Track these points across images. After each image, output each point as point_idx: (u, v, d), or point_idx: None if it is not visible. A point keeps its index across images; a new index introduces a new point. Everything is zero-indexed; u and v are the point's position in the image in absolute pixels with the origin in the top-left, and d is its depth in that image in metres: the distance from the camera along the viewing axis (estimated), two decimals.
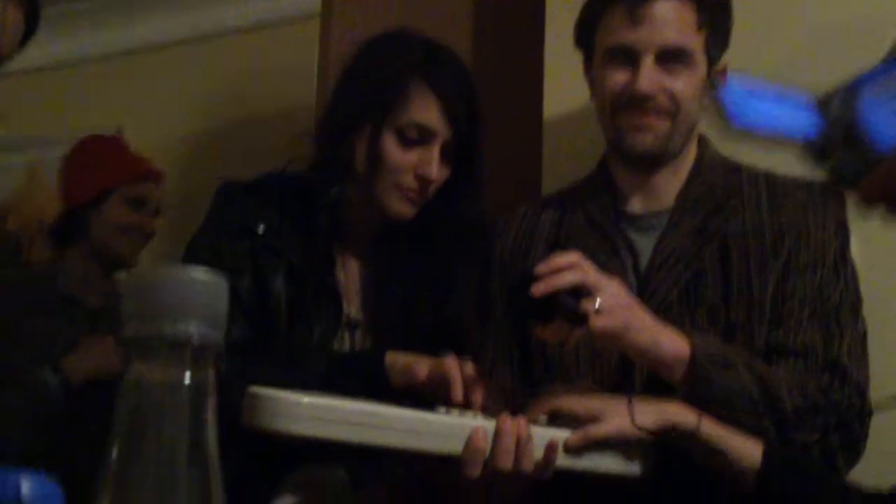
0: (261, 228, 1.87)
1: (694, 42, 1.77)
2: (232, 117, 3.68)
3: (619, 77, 1.78)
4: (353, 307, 1.93)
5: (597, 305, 1.50)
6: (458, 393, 1.59)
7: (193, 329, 0.55)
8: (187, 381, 0.55)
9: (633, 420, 1.51)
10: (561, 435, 1.49)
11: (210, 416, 0.55)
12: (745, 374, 1.57)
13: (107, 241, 2.88)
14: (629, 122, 1.78)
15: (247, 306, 1.82)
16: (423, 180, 1.86)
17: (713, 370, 1.55)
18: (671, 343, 1.57)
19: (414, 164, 1.85)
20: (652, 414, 1.52)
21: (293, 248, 1.88)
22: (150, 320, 0.55)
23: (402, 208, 1.88)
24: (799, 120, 1.00)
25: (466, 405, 1.60)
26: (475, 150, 1.91)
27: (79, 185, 2.95)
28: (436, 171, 1.86)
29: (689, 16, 1.76)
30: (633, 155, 1.81)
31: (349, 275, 1.95)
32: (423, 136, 1.85)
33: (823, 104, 1.01)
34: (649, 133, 1.77)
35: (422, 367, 1.66)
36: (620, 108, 1.78)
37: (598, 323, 1.50)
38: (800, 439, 1.57)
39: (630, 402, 1.52)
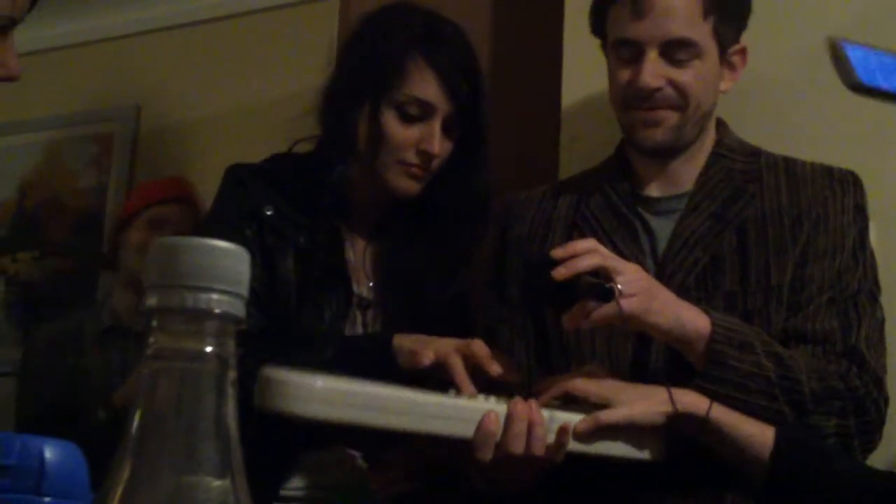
0: (269, 212, 1.86)
1: (700, 31, 1.75)
2: (251, 98, 3.68)
3: (624, 73, 1.78)
4: (363, 287, 1.93)
5: (618, 288, 1.50)
6: (461, 383, 1.58)
7: (215, 299, 0.54)
8: (209, 351, 0.54)
9: (654, 405, 1.51)
10: (573, 419, 1.49)
11: (231, 388, 0.55)
12: (763, 356, 1.56)
13: (130, 265, 2.92)
14: (638, 118, 1.78)
15: (256, 293, 1.81)
16: (425, 155, 1.85)
17: (730, 351, 1.55)
18: (693, 320, 1.57)
19: (415, 140, 1.84)
20: (661, 401, 1.52)
21: (301, 230, 1.87)
22: (172, 290, 0.54)
23: (407, 185, 1.87)
24: None
25: (481, 387, 1.60)
26: (478, 124, 1.90)
27: (119, 214, 3.03)
28: (438, 145, 1.84)
29: (693, 4, 1.75)
30: (644, 149, 1.80)
31: (358, 254, 1.95)
32: (423, 112, 1.84)
33: None
34: (658, 127, 1.77)
35: (427, 353, 1.64)
36: (630, 104, 1.78)
37: (621, 304, 1.50)
38: (817, 423, 1.57)
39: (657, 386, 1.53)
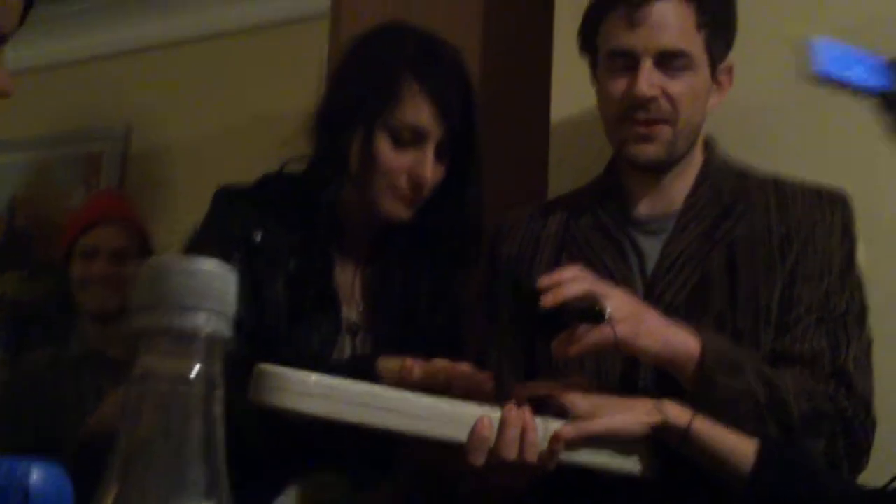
0: (258, 236, 1.84)
1: (693, 43, 1.77)
2: (241, 117, 3.68)
3: (619, 84, 1.78)
4: (353, 311, 1.91)
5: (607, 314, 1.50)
6: (460, 386, 1.58)
7: (202, 321, 0.54)
8: (196, 373, 0.54)
9: (636, 417, 1.51)
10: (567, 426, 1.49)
11: (219, 409, 0.55)
12: (753, 378, 1.56)
13: (77, 299, 2.87)
14: (633, 133, 1.78)
15: (243, 323, 1.79)
16: (416, 181, 1.82)
17: (719, 373, 1.55)
18: (682, 343, 1.57)
19: (407, 166, 1.82)
20: (644, 412, 1.52)
21: (290, 254, 1.85)
22: (158, 312, 0.54)
23: (398, 210, 1.85)
24: (874, 76, 1.16)
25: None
26: (471, 149, 1.88)
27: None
28: (429, 172, 1.82)
29: (688, 17, 1.76)
30: (638, 164, 1.81)
31: (348, 279, 1.93)
32: (416, 137, 1.81)
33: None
34: (652, 143, 1.77)
35: (415, 369, 1.64)
36: (624, 118, 1.78)
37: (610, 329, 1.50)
38: (805, 445, 1.57)
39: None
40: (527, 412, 1.45)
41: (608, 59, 1.81)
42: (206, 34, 3.83)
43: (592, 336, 1.51)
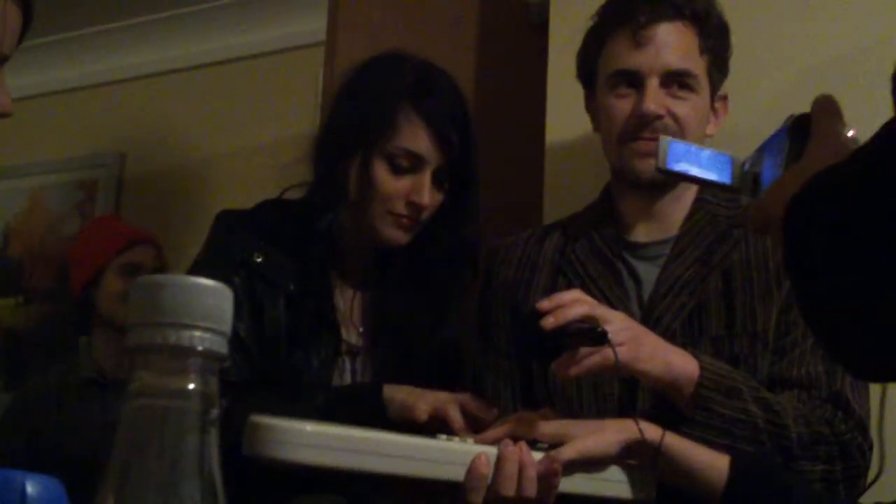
0: (259, 259, 1.86)
1: (697, 66, 1.79)
2: (235, 144, 3.69)
3: (624, 103, 1.79)
4: (352, 334, 1.92)
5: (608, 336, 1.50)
6: (461, 433, 1.58)
7: (198, 337, 0.54)
8: (192, 388, 0.54)
9: (607, 437, 1.50)
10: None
11: (214, 426, 0.55)
12: (751, 401, 1.56)
13: (111, 312, 2.91)
14: (636, 149, 1.79)
15: (245, 345, 1.81)
16: (414, 207, 1.85)
17: (717, 396, 1.55)
18: (681, 366, 1.56)
19: (406, 192, 1.84)
20: (615, 431, 1.51)
21: (290, 278, 1.87)
22: (154, 328, 0.54)
23: (396, 235, 1.87)
24: (720, 170, 1.31)
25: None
26: (469, 174, 1.90)
27: (79, 270, 3.00)
28: (427, 197, 1.84)
29: (692, 40, 1.78)
30: (639, 181, 1.81)
31: (347, 302, 1.94)
32: (413, 164, 1.84)
33: (740, 160, 1.31)
34: (653, 158, 1.77)
35: (421, 409, 1.64)
36: (627, 136, 1.79)
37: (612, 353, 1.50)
38: (803, 469, 1.57)
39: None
40: (524, 447, 1.45)
41: (612, 80, 1.82)
42: (199, 62, 3.85)
43: (594, 358, 1.50)
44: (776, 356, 1.68)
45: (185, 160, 3.78)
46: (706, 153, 1.33)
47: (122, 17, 3.89)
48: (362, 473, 1.37)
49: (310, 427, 1.33)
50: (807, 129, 1.18)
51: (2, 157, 3.95)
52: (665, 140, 1.34)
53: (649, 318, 1.73)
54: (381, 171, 1.84)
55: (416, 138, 1.83)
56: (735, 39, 1.88)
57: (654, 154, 1.76)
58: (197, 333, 0.55)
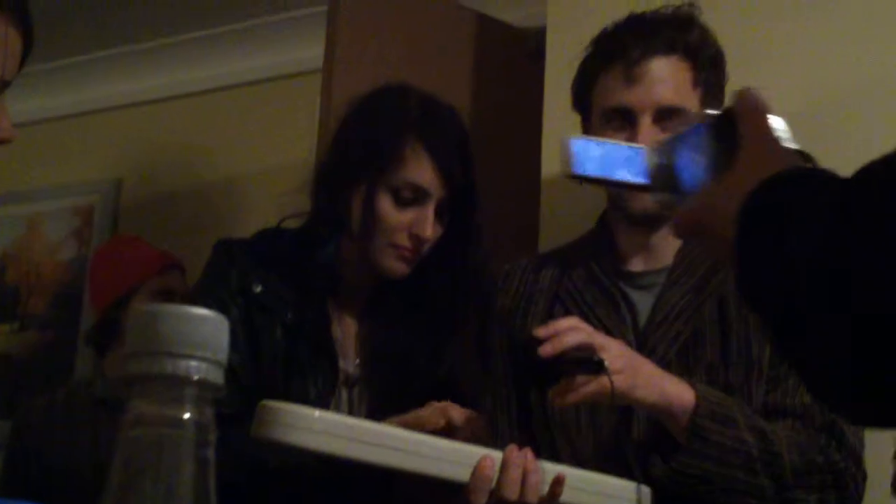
0: (257, 288, 1.86)
1: (690, 100, 1.78)
2: (231, 171, 3.69)
3: (617, 139, 1.79)
4: (349, 364, 1.92)
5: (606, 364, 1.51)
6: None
7: (194, 366, 0.55)
8: (187, 417, 0.55)
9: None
10: (569, 471, 1.49)
11: (210, 455, 0.55)
12: (746, 430, 1.57)
13: None
14: None
15: (241, 378, 1.80)
16: (417, 239, 1.85)
17: (712, 426, 1.55)
18: (678, 394, 1.57)
19: (408, 224, 1.84)
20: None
21: (289, 307, 1.87)
22: (150, 357, 0.55)
23: (397, 267, 1.87)
24: (633, 166, 1.25)
25: None
26: (471, 208, 1.90)
27: (106, 288, 2.98)
28: (430, 230, 1.84)
29: (685, 74, 1.78)
30: (633, 217, 1.81)
31: (345, 332, 1.94)
32: (417, 196, 1.84)
33: (653, 152, 1.25)
34: (645, 195, 1.78)
35: (431, 420, 1.64)
36: None
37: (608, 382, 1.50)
38: (797, 498, 1.57)
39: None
40: (529, 454, 1.46)
41: (604, 117, 1.82)
42: (195, 89, 3.86)
43: (591, 386, 1.51)
44: (770, 385, 1.68)
45: (182, 186, 3.78)
46: (614, 148, 1.28)
47: (119, 43, 3.90)
48: (366, 465, 1.37)
49: (319, 413, 1.34)
50: (731, 128, 1.12)
51: None
52: (567, 141, 1.28)
53: (644, 346, 1.73)
54: (385, 204, 1.84)
55: (422, 171, 1.83)
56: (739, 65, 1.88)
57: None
58: (193, 363, 0.55)
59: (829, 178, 0.94)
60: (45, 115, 3.96)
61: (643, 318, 1.78)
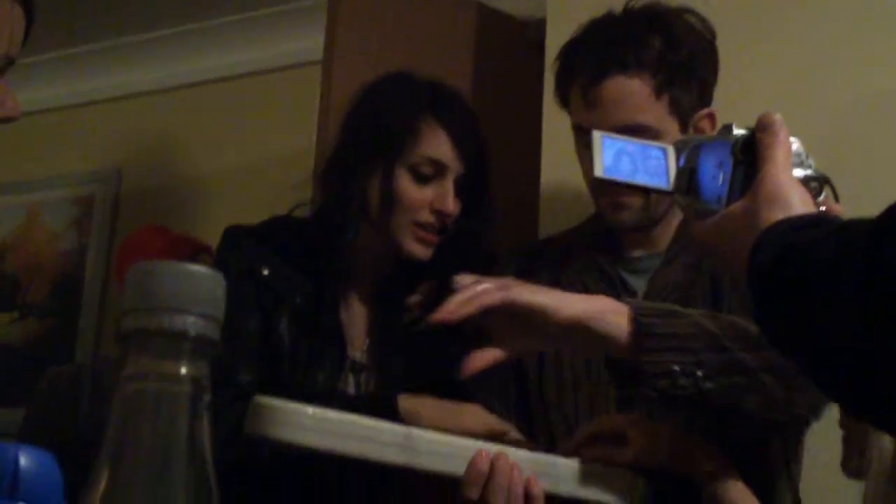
0: (266, 271, 1.86)
1: (653, 114, 1.75)
2: (231, 161, 3.70)
3: (586, 157, 1.77)
4: (357, 350, 1.92)
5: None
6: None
7: (191, 322, 0.56)
8: (184, 373, 0.55)
9: None
10: (563, 460, 1.48)
11: (205, 411, 0.56)
12: (695, 315, 1.45)
13: None
14: (605, 202, 1.80)
15: (253, 351, 1.81)
16: (440, 215, 1.84)
17: (657, 321, 1.42)
18: (602, 305, 1.45)
19: (429, 200, 1.83)
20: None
21: (298, 291, 1.86)
22: (147, 313, 0.56)
23: (418, 250, 1.86)
24: (656, 169, 1.27)
25: None
26: (485, 185, 1.91)
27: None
28: (452, 204, 1.84)
29: (642, 88, 1.75)
30: (616, 229, 1.83)
31: (354, 318, 1.93)
32: (436, 172, 1.84)
33: (677, 153, 1.28)
34: (625, 210, 1.78)
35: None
36: (595, 191, 1.80)
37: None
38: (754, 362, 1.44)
39: None
40: (516, 467, 1.44)
41: (575, 129, 1.83)
42: (196, 80, 3.86)
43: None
44: None
45: (182, 177, 3.79)
46: (640, 149, 1.29)
47: (119, 34, 3.91)
48: (362, 460, 1.38)
49: (312, 410, 1.33)
50: (753, 149, 1.15)
51: None
52: (596, 139, 1.29)
53: None
54: (405, 182, 1.83)
55: (439, 145, 1.84)
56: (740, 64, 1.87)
57: (622, 207, 1.76)
58: (190, 319, 0.56)
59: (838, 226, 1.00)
60: (45, 105, 3.96)
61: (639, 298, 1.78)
